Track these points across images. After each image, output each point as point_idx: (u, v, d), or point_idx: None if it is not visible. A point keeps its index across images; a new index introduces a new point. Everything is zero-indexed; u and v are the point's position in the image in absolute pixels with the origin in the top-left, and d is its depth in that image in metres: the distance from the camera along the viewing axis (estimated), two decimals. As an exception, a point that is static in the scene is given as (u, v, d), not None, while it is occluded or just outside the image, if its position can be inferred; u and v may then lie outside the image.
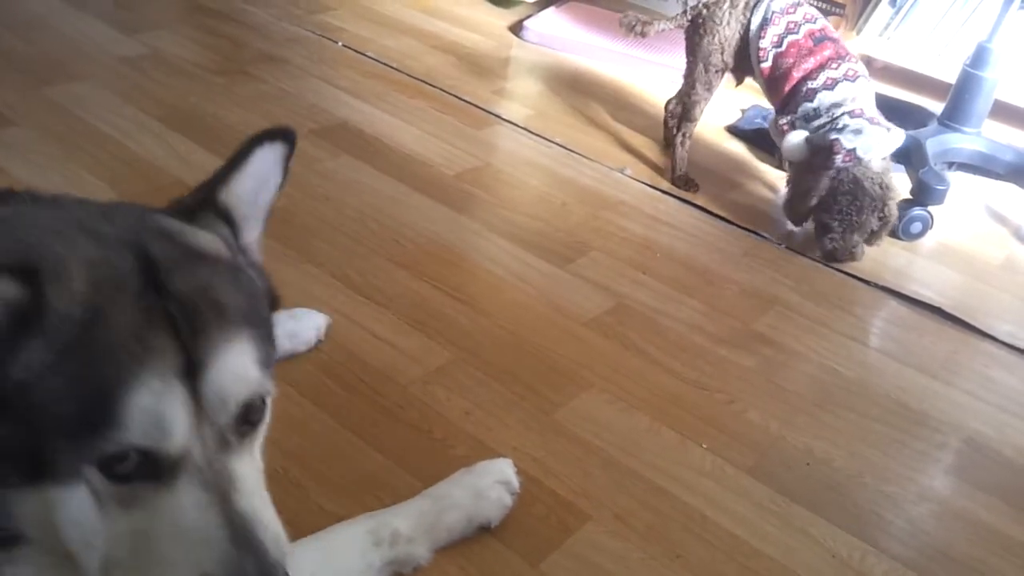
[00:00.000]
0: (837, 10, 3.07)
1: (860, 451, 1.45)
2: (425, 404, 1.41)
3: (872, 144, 1.91)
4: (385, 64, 2.62)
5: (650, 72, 2.84)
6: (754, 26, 2.08)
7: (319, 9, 2.96)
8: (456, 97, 2.48)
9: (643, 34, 2.25)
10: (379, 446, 1.32)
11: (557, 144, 2.31)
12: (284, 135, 0.83)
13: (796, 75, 2.02)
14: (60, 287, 0.65)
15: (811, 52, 2.02)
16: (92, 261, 0.68)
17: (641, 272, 1.83)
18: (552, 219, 1.98)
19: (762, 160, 2.38)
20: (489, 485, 1.19)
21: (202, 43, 2.57)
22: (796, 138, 2.00)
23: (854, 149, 1.91)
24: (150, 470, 0.67)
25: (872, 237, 1.98)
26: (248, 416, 0.73)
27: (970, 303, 1.91)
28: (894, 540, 1.30)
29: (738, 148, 2.46)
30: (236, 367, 0.71)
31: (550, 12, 3.14)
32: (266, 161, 0.83)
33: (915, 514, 1.35)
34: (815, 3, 3.11)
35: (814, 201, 1.96)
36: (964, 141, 2.32)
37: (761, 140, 2.41)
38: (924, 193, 2.10)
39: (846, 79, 1.97)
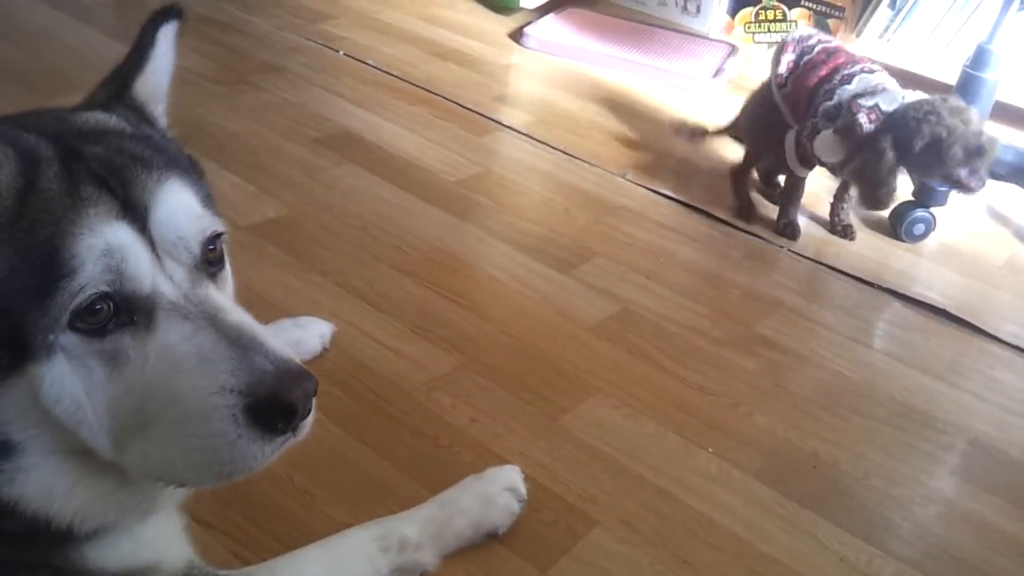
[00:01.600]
0: (837, 13, 3.08)
1: (866, 453, 1.45)
2: (431, 411, 1.41)
3: (896, 98, 1.88)
4: (386, 72, 2.63)
5: (649, 76, 2.84)
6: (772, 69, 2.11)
7: (320, 18, 2.97)
8: (457, 104, 2.49)
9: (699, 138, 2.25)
10: (385, 453, 1.32)
11: (559, 150, 2.32)
12: (177, 12, 0.89)
13: (812, 83, 2.01)
14: None
15: (824, 61, 2.02)
16: (10, 147, 0.70)
17: (645, 277, 1.84)
18: (555, 225, 1.99)
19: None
20: (497, 492, 1.19)
21: (204, 53, 2.58)
22: (823, 137, 1.96)
23: (876, 105, 1.88)
24: (125, 317, 0.69)
25: (977, 150, 1.86)
26: (209, 257, 0.77)
27: (974, 304, 1.91)
28: (901, 542, 1.30)
29: (739, 151, 2.45)
30: (179, 203, 0.75)
31: (550, 18, 3.15)
32: (168, 44, 0.89)
33: (922, 516, 1.35)
34: (814, 5, 3.12)
35: (891, 177, 1.88)
36: (965, 142, 2.32)
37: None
38: (926, 195, 2.10)
39: (864, 72, 1.96)
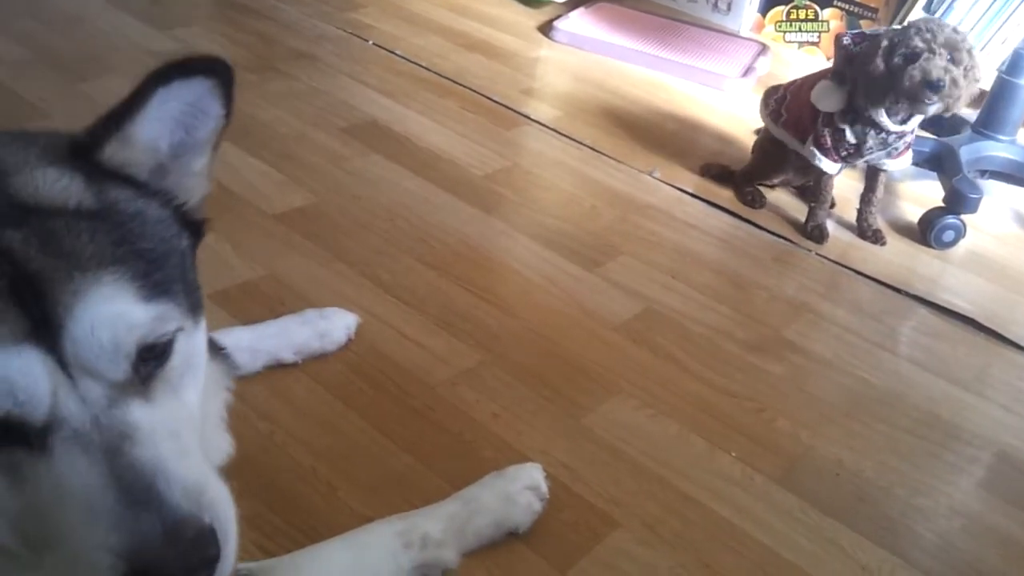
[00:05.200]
0: (869, 14, 3.05)
1: (891, 462, 1.44)
2: (453, 406, 1.41)
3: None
4: (415, 63, 2.62)
5: (679, 73, 2.82)
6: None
7: (349, 7, 2.97)
8: (485, 97, 2.48)
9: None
10: (407, 447, 1.32)
11: (586, 145, 2.31)
12: (206, 69, 0.73)
13: (807, 94, 2.02)
14: None
15: (812, 78, 2.06)
16: None
17: (671, 277, 1.82)
18: (581, 221, 1.98)
19: (792, 165, 2.36)
20: (519, 490, 1.19)
21: (234, 40, 2.58)
22: (819, 87, 1.99)
23: (859, 31, 1.95)
24: (18, 436, 0.61)
25: (930, 84, 1.83)
26: (146, 357, 0.66)
27: (1003, 313, 1.88)
28: (925, 554, 1.28)
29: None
30: (104, 315, 0.63)
31: (579, 13, 3.13)
32: (178, 101, 0.73)
33: (946, 528, 1.34)
34: (847, 5, 3.09)
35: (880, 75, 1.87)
36: (998, 149, 2.29)
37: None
38: (957, 201, 2.08)
39: None
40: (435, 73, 2.58)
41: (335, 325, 1.47)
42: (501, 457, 1.31)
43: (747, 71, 2.85)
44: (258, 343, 1.38)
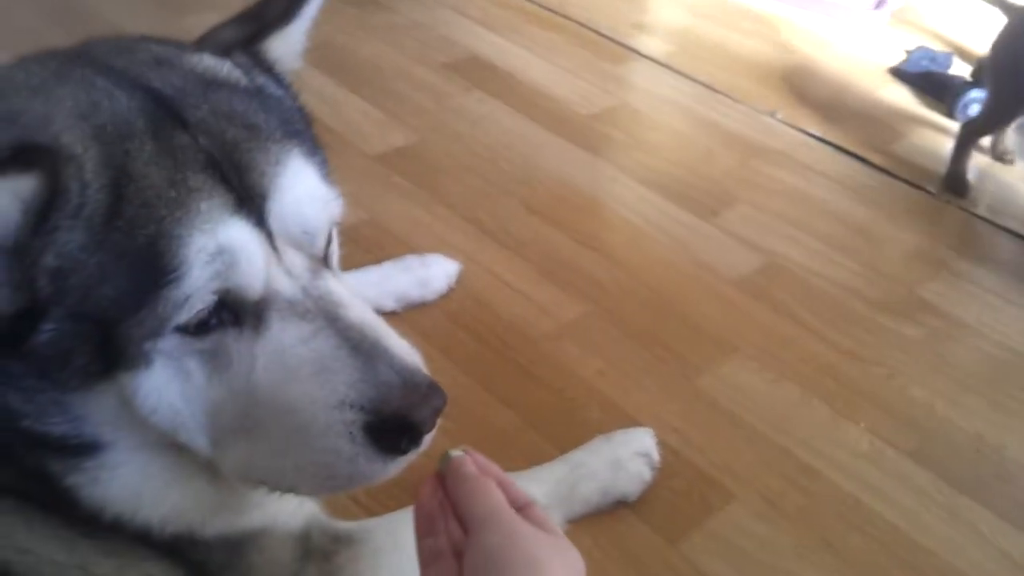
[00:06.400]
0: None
1: (1038, 439, 1.31)
2: (557, 361, 1.34)
3: None
4: (518, -7, 2.51)
5: (803, 5, 2.62)
6: None
7: (451, -65, 2.86)
8: (592, 30, 2.35)
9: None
10: (509, 402, 1.26)
11: (701, 83, 2.16)
12: None
13: None
14: (70, 157, 0.56)
15: None
16: (92, 114, 0.59)
17: (793, 227, 1.70)
18: (695, 166, 1.85)
19: (929, 107, 2.16)
20: (628, 456, 1.12)
21: (335, -29, 2.52)
22: None
23: None
24: (228, 316, 0.61)
25: None
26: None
27: None
28: (1076, 543, 1.16)
29: (902, 93, 2.24)
30: (304, 190, 0.64)
31: (695, -61, 2.94)
32: None
33: (1101, 515, 1.21)
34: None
35: None
36: None
37: (928, 85, 2.20)
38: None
39: None
40: (539, 5, 2.46)
41: (435, 273, 1.41)
42: (607, 418, 1.24)
43: (880, 3, 2.63)
44: (359, 291, 1.34)
